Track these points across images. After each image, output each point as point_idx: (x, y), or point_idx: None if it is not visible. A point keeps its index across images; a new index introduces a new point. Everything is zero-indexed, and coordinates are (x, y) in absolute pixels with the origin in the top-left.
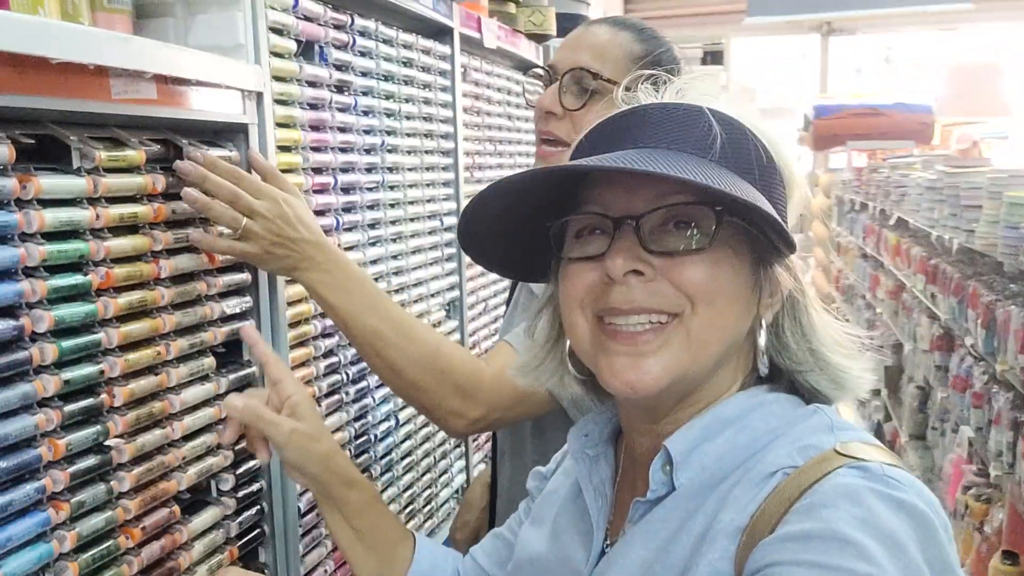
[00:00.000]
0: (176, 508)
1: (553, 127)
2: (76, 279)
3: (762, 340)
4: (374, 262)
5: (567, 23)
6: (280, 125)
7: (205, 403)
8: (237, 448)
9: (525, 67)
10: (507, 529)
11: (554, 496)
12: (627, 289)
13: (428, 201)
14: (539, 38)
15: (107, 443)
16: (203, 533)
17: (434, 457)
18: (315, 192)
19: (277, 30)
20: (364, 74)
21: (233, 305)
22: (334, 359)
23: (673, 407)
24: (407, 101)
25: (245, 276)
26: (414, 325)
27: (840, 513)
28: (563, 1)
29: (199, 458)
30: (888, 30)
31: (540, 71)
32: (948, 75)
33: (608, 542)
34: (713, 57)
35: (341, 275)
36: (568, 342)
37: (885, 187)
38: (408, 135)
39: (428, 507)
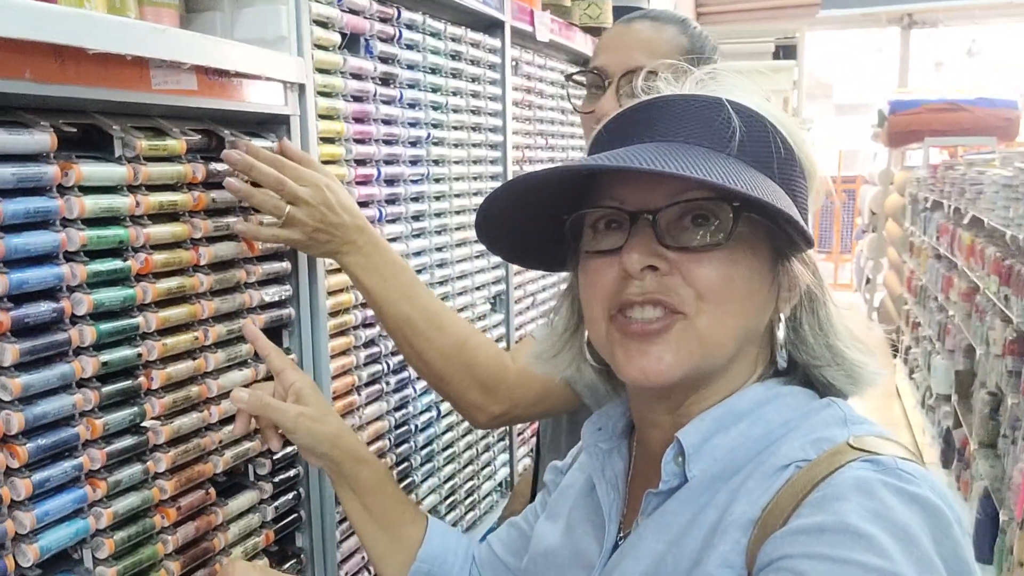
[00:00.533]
0: (212, 490)
1: None
2: (115, 264)
3: (781, 334)
4: (417, 254)
5: (624, 15)
6: (323, 117)
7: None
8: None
9: (579, 61)
10: (523, 519)
11: (569, 491)
12: (641, 284)
13: (475, 194)
14: (595, 31)
15: (143, 424)
16: (239, 516)
17: (476, 449)
18: (358, 183)
19: (321, 23)
20: (411, 67)
21: (272, 293)
22: (375, 349)
23: (688, 398)
24: (455, 94)
25: (285, 264)
26: (445, 316)
27: (852, 506)
28: None
29: (236, 442)
30: (972, 22)
31: (586, 75)
32: None
33: (621, 535)
34: (785, 52)
35: (379, 259)
36: (586, 332)
37: (960, 184)
38: (455, 128)
39: (470, 499)
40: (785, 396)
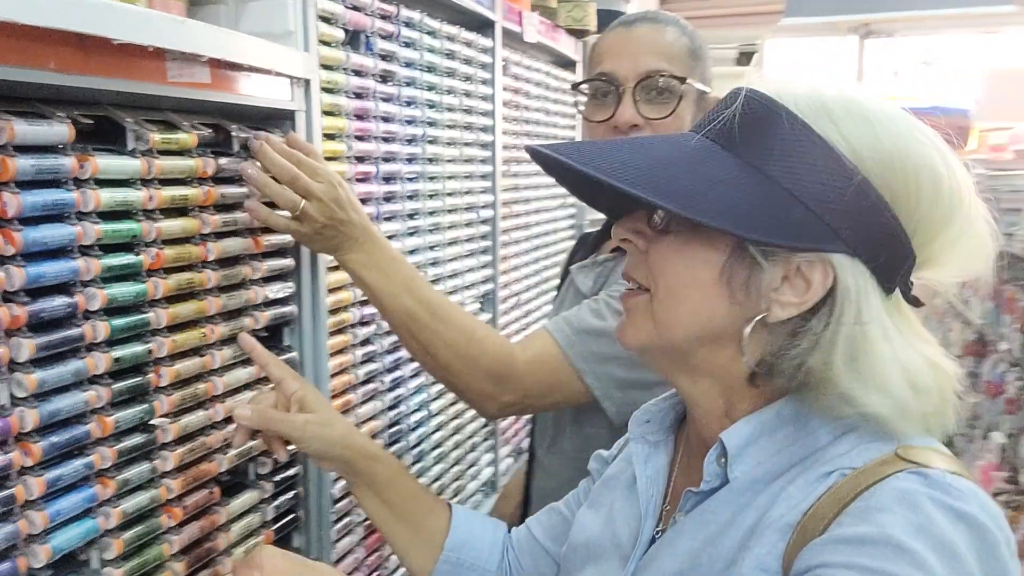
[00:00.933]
0: (216, 489)
1: None
2: (128, 259)
3: (746, 332)
4: (411, 252)
5: (606, 19)
6: (326, 113)
7: (247, 386)
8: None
9: (562, 62)
10: (564, 505)
11: (612, 481)
12: (629, 257)
13: (466, 193)
14: (579, 33)
15: (152, 422)
16: (240, 515)
17: (463, 449)
18: (358, 180)
19: (326, 18)
20: (408, 64)
21: (276, 290)
22: (371, 347)
23: (682, 380)
24: (449, 93)
25: (289, 261)
26: (449, 308)
27: (896, 519)
28: None
29: None
30: (927, 32)
31: (593, 82)
32: (988, 79)
33: (659, 529)
34: (748, 58)
35: (379, 255)
36: None
37: None
38: (448, 127)
39: (456, 499)
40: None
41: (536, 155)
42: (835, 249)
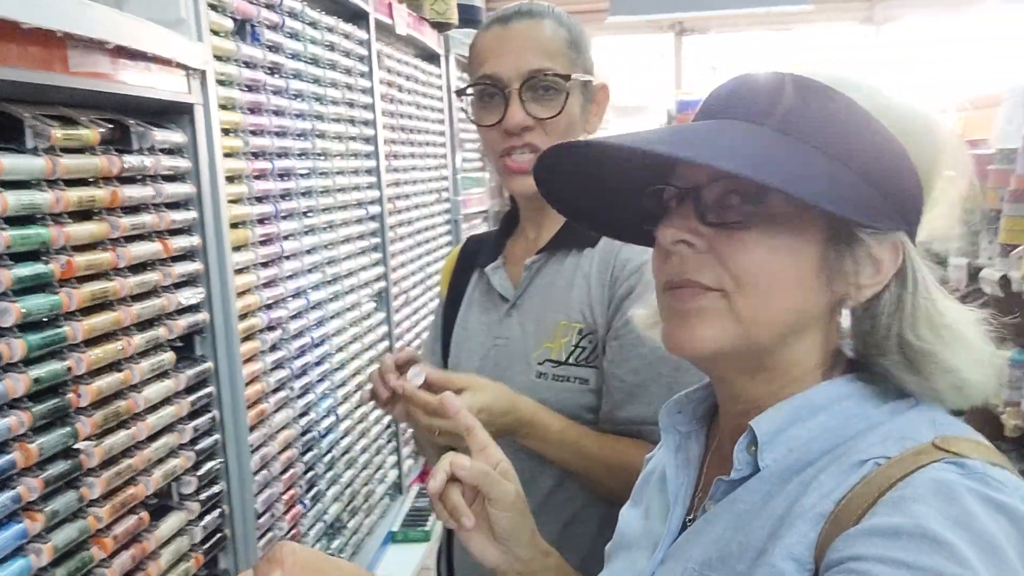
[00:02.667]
0: (145, 515)
1: (531, 139)
2: (39, 268)
3: (845, 322)
4: (309, 251)
5: (464, 14)
6: (220, 107)
7: (166, 401)
8: (197, 448)
9: (428, 55)
10: None
11: (650, 476)
12: (679, 260)
13: (354, 189)
14: (441, 26)
15: (76, 446)
16: (169, 540)
17: (370, 453)
18: (255, 178)
19: (213, 6)
20: (294, 56)
21: (188, 296)
22: (280, 353)
23: (747, 383)
24: (333, 86)
25: (198, 265)
26: (618, 452)
27: (932, 511)
28: None
29: (161, 460)
30: (738, 30)
31: (477, 86)
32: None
33: (690, 517)
34: None
35: (541, 433)
36: None
37: None
38: (335, 120)
39: (366, 504)
40: (868, 393)
41: (603, 148)
42: (900, 227)
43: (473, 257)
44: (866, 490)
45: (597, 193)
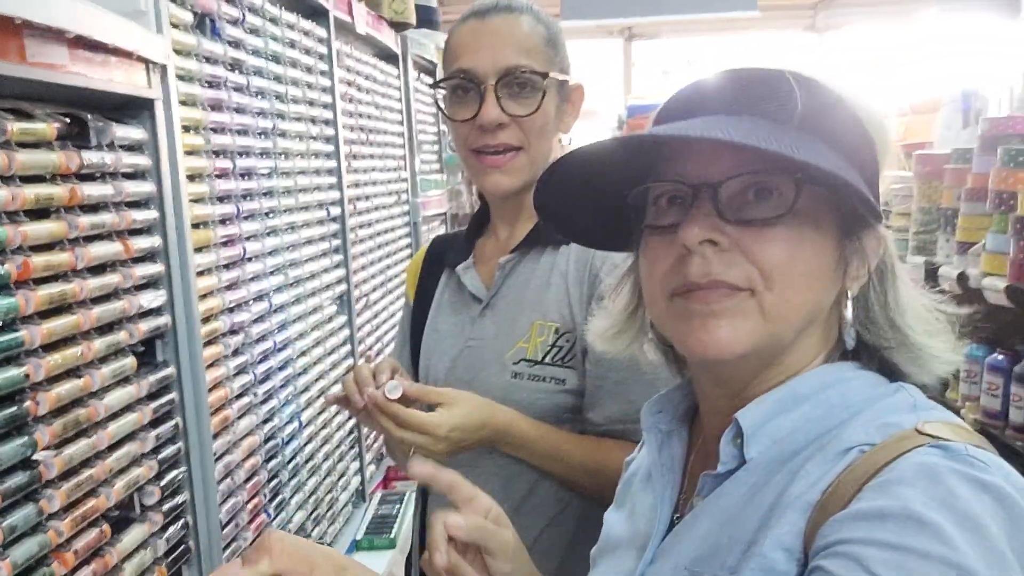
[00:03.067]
0: (106, 527)
1: (504, 138)
2: None
3: (848, 313)
4: (271, 253)
5: (422, 15)
6: (181, 103)
7: (127, 408)
8: (160, 457)
9: (386, 55)
10: None
11: (632, 478)
12: (702, 260)
13: (316, 189)
14: (399, 26)
15: (35, 457)
16: (131, 554)
17: (333, 460)
18: (217, 177)
19: None
20: (255, 52)
21: (150, 299)
22: (242, 358)
23: (750, 382)
24: (293, 84)
25: (160, 267)
26: (602, 455)
27: (917, 492)
28: None
29: (123, 470)
30: (687, 35)
31: (451, 80)
32: None
33: (677, 515)
34: None
35: (519, 442)
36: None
37: None
38: (296, 119)
39: (329, 512)
40: (852, 380)
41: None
42: (881, 221)
43: (440, 258)
44: (852, 477)
45: (575, 201)
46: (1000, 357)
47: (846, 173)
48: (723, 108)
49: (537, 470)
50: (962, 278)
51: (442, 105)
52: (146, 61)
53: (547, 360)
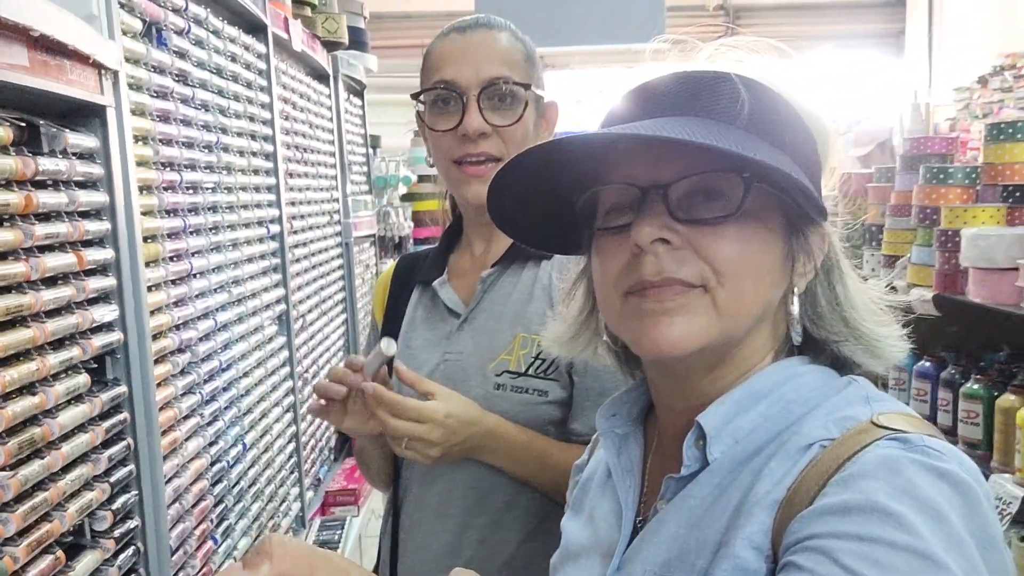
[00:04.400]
0: (61, 554)
1: (486, 147)
2: None
3: (795, 309)
4: (216, 270)
5: (352, 36)
6: (131, 112)
7: (81, 428)
8: (112, 480)
9: (319, 74)
10: None
11: (589, 483)
12: (655, 259)
13: (256, 206)
14: (332, 45)
15: None
16: None
17: (274, 484)
18: (165, 189)
19: (122, 5)
20: (199, 64)
21: (103, 314)
22: (190, 377)
23: (704, 379)
24: (235, 99)
25: (112, 280)
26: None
27: (880, 484)
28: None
29: (75, 494)
30: (597, 65)
31: (432, 92)
32: None
33: (640, 519)
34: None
35: (507, 446)
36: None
37: None
38: (238, 134)
39: None
40: (804, 375)
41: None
42: (825, 217)
43: (408, 275)
44: (815, 472)
45: (525, 204)
46: (927, 364)
47: (791, 171)
48: (671, 110)
49: (516, 483)
50: (891, 290)
51: (423, 117)
52: (99, 67)
53: (530, 372)
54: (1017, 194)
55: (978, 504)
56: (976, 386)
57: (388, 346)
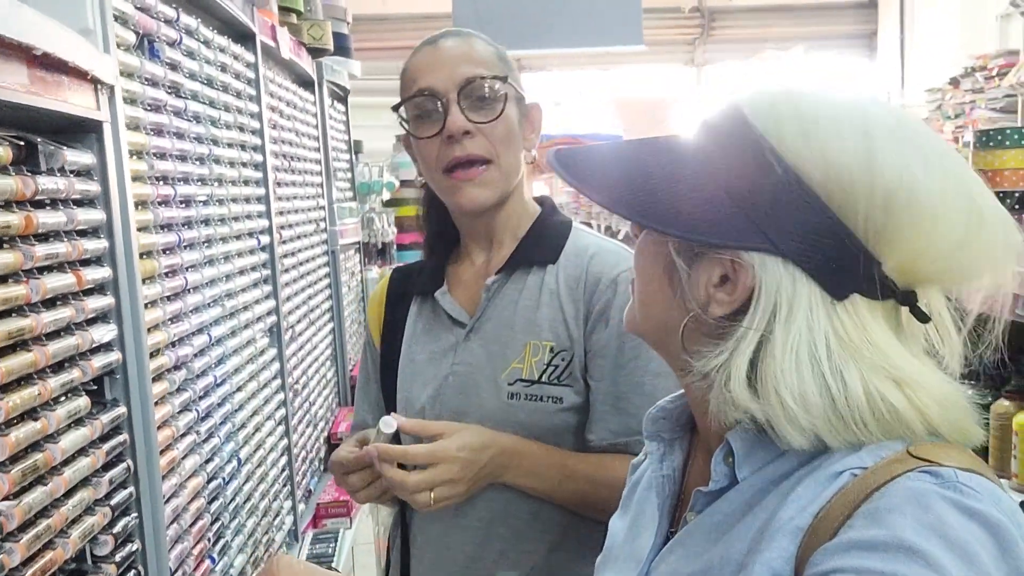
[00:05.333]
0: None
1: (472, 148)
2: None
3: (681, 324)
4: (210, 284)
5: (336, 43)
6: (127, 127)
7: (82, 452)
8: (112, 503)
9: (304, 81)
10: None
11: (638, 484)
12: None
13: (247, 218)
14: (317, 52)
15: None
16: None
17: (268, 499)
18: (159, 204)
19: (117, 17)
20: (191, 76)
21: (102, 334)
22: (186, 394)
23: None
24: (225, 109)
25: (110, 299)
26: (604, 469)
27: (908, 520)
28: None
29: (77, 519)
30: (575, 68)
31: (412, 101)
32: (625, 108)
33: (673, 529)
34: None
35: (527, 462)
36: None
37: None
38: (228, 146)
39: (266, 553)
40: None
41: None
42: (757, 248)
43: (403, 290)
44: (842, 501)
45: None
46: None
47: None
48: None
49: (542, 498)
50: None
51: (407, 128)
52: (96, 82)
53: (544, 379)
54: (1008, 201)
55: (1013, 545)
56: (970, 392)
57: (387, 425)
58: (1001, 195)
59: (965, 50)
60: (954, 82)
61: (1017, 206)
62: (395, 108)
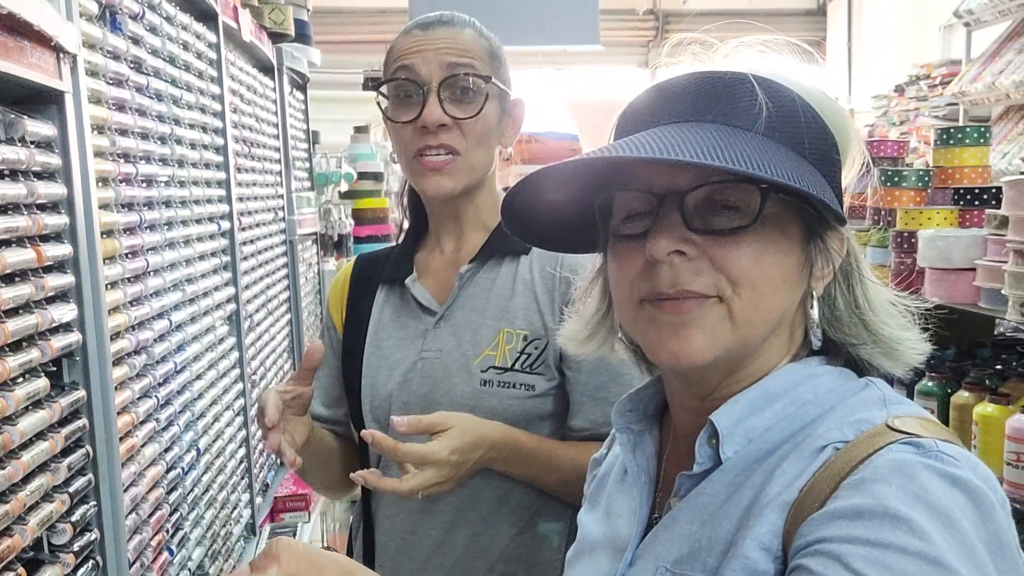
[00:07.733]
0: (22, 572)
1: (446, 139)
2: None
3: (815, 313)
4: (171, 267)
5: (297, 29)
6: (88, 99)
7: (41, 435)
8: (71, 490)
9: (264, 66)
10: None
11: (605, 478)
12: (670, 270)
13: (207, 202)
14: (277, 37)
15: None
16: None
17: (227, 491)
18: (121, 182)
19: None
20: (153, 52)
21: (61, 313)
22: (146, 380)
23: (719, 383)
24: (187, 89)
25: (70, 278)
26: (586, 459)
27: (892, 489)
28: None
29: (35, 506)
30: (530, 66)
31: (392, 83)
32: (579, 109)
33: (655, 516)
34: (374, 84)
35: (515, 454)
36: None
37: None
38: (190, 126)
39: (225, 546)
40: (821, 376)
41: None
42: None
43: (368, 277)
44: (827, 475)
45: (539, 210)
46: None
47: (810, 178)
48: (688, 114)
49: (508, 478)
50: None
51: (384, 108)
52: (59, 50)
53: (516, 367)
54: (968, 197)
55: (991, 510)
56: (931, 384)
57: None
58: (960, 191)
59: (910, 59)
60: (899, 89)
61: (976, 203)
62: (376, 87)
